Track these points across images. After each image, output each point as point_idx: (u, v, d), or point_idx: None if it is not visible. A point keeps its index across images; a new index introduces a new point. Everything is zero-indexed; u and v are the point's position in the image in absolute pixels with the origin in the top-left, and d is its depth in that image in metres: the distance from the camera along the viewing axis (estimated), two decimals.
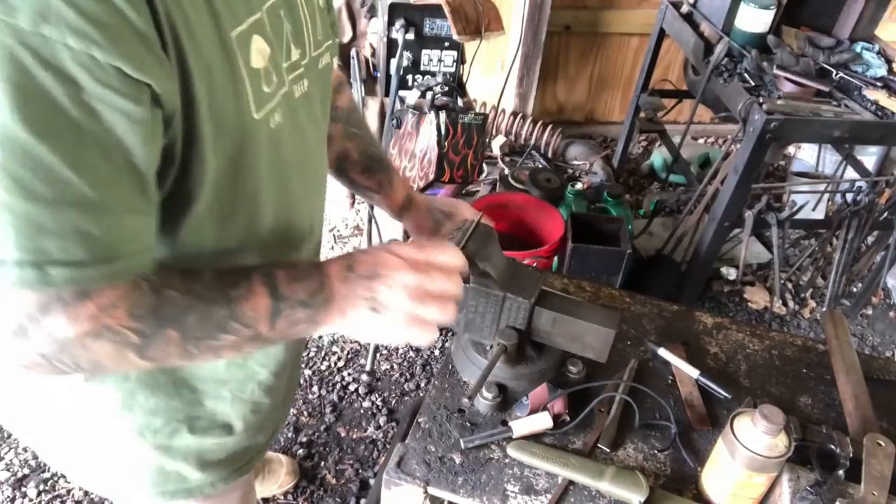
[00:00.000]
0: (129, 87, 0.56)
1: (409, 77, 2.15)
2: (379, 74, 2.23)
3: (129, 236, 0.61)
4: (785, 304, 2.74)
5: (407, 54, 2.10)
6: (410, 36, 2.07)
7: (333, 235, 2.82)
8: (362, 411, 2.20)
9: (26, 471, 1.96)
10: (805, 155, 3.10)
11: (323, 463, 2.05)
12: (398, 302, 0.74)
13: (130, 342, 0.64)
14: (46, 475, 1.94)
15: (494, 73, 3.16)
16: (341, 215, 2.89)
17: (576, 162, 3.19)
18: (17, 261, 0.55)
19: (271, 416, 1.04)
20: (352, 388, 2.26)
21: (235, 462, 1.02)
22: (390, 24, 2.06)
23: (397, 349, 2.40)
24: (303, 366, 2.30)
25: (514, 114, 3.20)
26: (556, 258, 2.30)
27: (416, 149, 2.05)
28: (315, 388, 2.25)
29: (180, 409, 0.91)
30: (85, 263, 0.58)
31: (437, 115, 1.98)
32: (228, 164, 0.70)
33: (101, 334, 0.62)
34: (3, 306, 0.58)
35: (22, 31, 0.50)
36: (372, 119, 2.31)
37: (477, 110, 2.33)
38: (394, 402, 2.24)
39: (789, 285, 2.79)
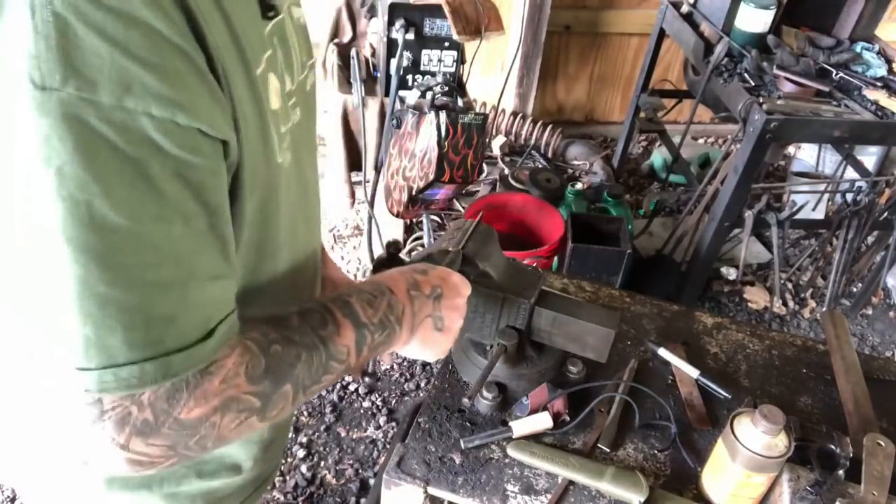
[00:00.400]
0: (209, 146, 0.53)
1: (409, 77, 2.15)
2: (379, 74, 2.23)
3: (221, 303, 0.59)
4: (785, 304, 2.73)
5: (407, 54, 2.10)
6: (410, 36, 2.07)
7: (333, 235, 2.82)
8: (362, 411, 2.20)
9: None
10: (805, 155, 3.10)
11: (323, 463, 2.05)
12: (458, 322, 0.84)
13: (253, 408, 0.62)
14: None
15: (494, 73, 3.16)
16: (341, 215, 2.89)
17: (576, 162, 3.19)
18: (137, 359, 0.52)
19: (279, 444, 1.01)
20: (352, 388, 2.26)
21: (244, 493, 0.97)
22: (390, 24, 2.06)
23: None
24: None
25: (514, 114, 3.20)
26: (556, 258, 2.30)
27: (416, 149, 2.05)
28: None
29: None
30: (198, 341, 0.55)
31: (437, 115, 1.98)
32: (258, 216, 0.67)
33: (228, 407, 0.59)
34: (127, 409, 0.54)
35: (103, 105, 0.46)
36: (372, 119, 2.31)
37: (477, 110, 2.33)
38: (394, 402, 2.24)
39: (789, 285, 2.79)
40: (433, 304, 0.81)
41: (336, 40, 2.52)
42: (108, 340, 0.51)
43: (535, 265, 2.14)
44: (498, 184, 2.75)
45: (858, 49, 2.32)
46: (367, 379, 2.26)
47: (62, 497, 0.85)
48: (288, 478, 2.00)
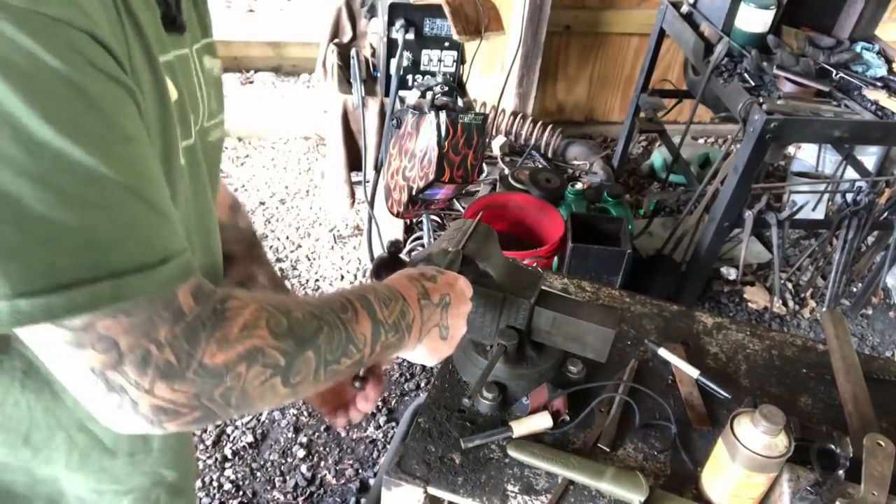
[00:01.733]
0: (120, 75, 0.51)
1: (409, 77, 2.16)
2: (379, 74, 2.23)
3: (174, 236, 0.56)
4: (785, 304, 2.74)
5: (407, 54, 2.10)
6: (410, 36, 2.07)
7: (333, 235, 2.82)
8: None
9: None
10: (805, 155, 3.10)
11: (323, 463, 2.05)
12: (462, 330, 0.87)
13: (278, 365, 0.60)
14: None
15: (494, 73, 3.16)
16: (341, 215, 2.89)
17: (576, 162, 3.19)
18: (87, 279, 0.49)
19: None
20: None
21: None
22: (390, 24, 2.06)
23: None
24: None
25: (514, 114, 3.20)
26: (556, 258, 2.30)
27: (416, 149, 2.05)
28: None
29: None
30: (154, 265, 0.52)
31: (437, 115, 1.98)
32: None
33: (254, 357, 0.58)
34: (146, 348, 0.53)
35: (17, 9, 0.44)
36: (372, 119, 2.31)
37: (477, 110, 2.33)
38: (394, 402, 2.24)
39: (789, 285, 2.79)
40: (441, 313, 0.82)
41: (336, 40, 2.52)
42: (55, 262, 0.48)
43: (535, 265, 2.14)
44: (498, 184, 2.75)
45: (858, 49, 2.32)
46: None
47: None
48: (288, 478, 2.00)
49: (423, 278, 0.82)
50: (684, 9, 2.56)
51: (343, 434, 2.12)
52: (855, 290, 2.80)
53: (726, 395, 1.12)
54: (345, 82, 2.41)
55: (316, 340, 0.63)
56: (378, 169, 2.32)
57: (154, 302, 0.53)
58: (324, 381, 0.66)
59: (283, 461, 2.04)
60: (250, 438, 2.07)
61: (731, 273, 2.80)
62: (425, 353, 0.83)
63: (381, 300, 0.73)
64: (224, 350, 0.56)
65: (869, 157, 2.95)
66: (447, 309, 0.83)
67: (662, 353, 1.18)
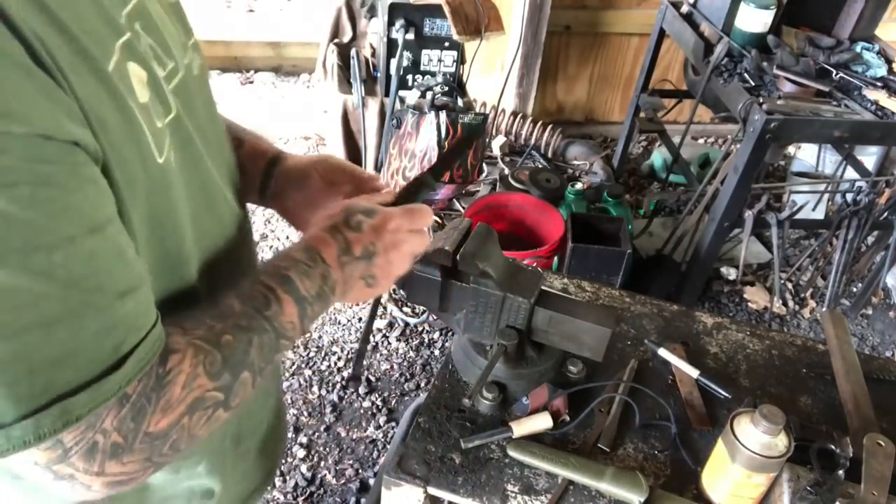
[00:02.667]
0: (59, 150, 0.47)
1: (409, 77, 2.16)
2: (379, 74, 2.23)
3: (135, 320, 0.54)
4: (785, 304, 2.74)
5: (407, 54, 2.10)
6: (410, 36, 2.07)
7: None
8: (362, 411, 2.20)
9: None
10: (805, 155, 3.10)
11: (323, 463, 2.05)
12: (394, 273, 0.80)
13: (218, 402, 0.62)
14: None
15: (494, 73, 3.16)
16: None
17: (576, 162, 3.19)
18: (28, 413, 0.48)
19: (256, 462, 0.96)
20: (352, 387, 2.27)
21: None
22: (390, 24, 2.07)
23: (397, 349, 2.40)
24: (303, 366, 2.31)
25: (514, 114, 3.20)
26: (556, 258, 2.30)
27: (416, 149, 2.05)
28: (315, 388, 2.25)
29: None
30: (105, 373, 0.52)
31: (437, 115, 1.98)
32: (149, 221, 0.60)
33: (195, 408, 0.59)
34: (91, 440, 0.52)
35: None
36: (372, 119, 2.31)
37: (477, 110, 2.33)
38: (394, 402, 2.24)
39: (789, 285, 2.79)
40: (365, 265, 0.77)
41: (336, 40, 2.52)
42: None
43: (535, 265, 2.14)
44: (498, 184, 2.75)
45: (858, 49, 2.32)
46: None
47: None
48: (288, 478, 2.00)
49: (346, 227, 0.76)
50: (684, 9, 2.56)
51: (343, 434, 2.12)
52: (855, 290, 2.80)
53: (726, 395, 1.12)
54: (345, 82, 2.41)
55: (248, 358, 0.64)
56: (378, 169, 2.32)
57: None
58: (263, 379, 0.68)
59: (283, 461, 2.04)
60: None
61: (731, 273, 2.80)
62: (351, 300, 0.81)
63: (303, 273, 0.71)
64: (168, 414, 0.57)
65: (869, 157, 2.95)
66: (373, 258, 0.77)
67: (662, 353, 1.18)
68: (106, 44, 0.53)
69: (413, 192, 0.86)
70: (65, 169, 0.47)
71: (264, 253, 2.61)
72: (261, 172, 0.90)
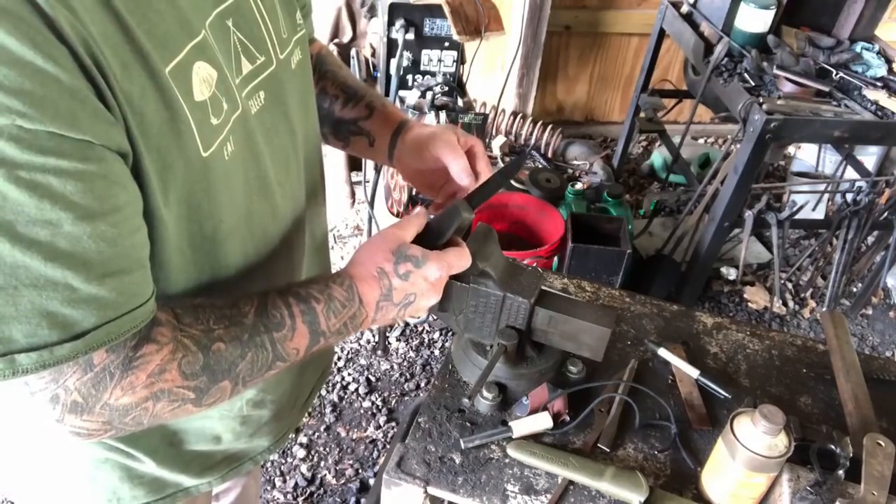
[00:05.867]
0: (72, 146, 0.52)
1: (409, 77, 2.16)
2: (379, 74, 2.23)
3: (95, 307, 0.57)
4: (785, 304, 2.74)
5: (407, 54, 2.10)
6: (410, 36, 2.07)
7: (333, 235, 2.82)
8: (362, 411, 2.20)
9: None
10: (805, 155, 3.10)
11: (323, 463, 2.05)
12: (416, 311, 0.84)
13: (187, 398, 0.65)
14: None
15: (494, 73, 3.16)
16: (341, 215, 2.89)
17: (576, 162, 3.19)
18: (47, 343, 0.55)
19: (269, 425, 1.01)
20: (352, 388, 2.27)
21: (230, 464, 0.99)
22: (390, 24, 2.06)
23: (397, 349, 2.40)
24: None
25: (514, 114, 3.20)
26: (556, 258, 2.30)
27: None
28: None
29: (163, 432, 0.87)
30: (51, 344, 0.56)
31: (437, 115, 1.98)
32: (184, 211, 0.66)
33: (159, 397, 0.63)
34: (54, 391, 0.58)
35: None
36: None
37: (477, 110, 2.33)
38: (394, 402, 2.24)
39: (789, 285, 2.79)
40: (398, 310, 0.81)
41: (336, 40, 2.52)
42: None
43: (535, 265, 2.14)
44: None
45: (858, 49, 2.32)
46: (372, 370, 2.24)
47: (53, 477, 0.87)
48: (288, 478, 2.00)
49: (395, 275, 0.78)
50: (684, 9, 2.56)
51: (343, 434, 2.12)
52: (855, 290, 2.80)
53: (726, 395, 1.12)
54: None
55: (234, 370, 0.67)
56: (378, 169, 2.32)
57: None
58: (247, 389, 0.70)
59: (283, 461, 2.04)
60: None
61: (731, 273, 2.80)
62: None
63: (331, 310, 0.74)
64: (128, 394, 0.61)
65: (869, 157, 2.96)
66: (408, 307, 0.82)
67: (662, 353, 1.18)
68: (173, 45, 0.59)
69: (448, 222, 0.87)
70: (71, 162, 0.51)
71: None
72: (388, 139, 1.00)
